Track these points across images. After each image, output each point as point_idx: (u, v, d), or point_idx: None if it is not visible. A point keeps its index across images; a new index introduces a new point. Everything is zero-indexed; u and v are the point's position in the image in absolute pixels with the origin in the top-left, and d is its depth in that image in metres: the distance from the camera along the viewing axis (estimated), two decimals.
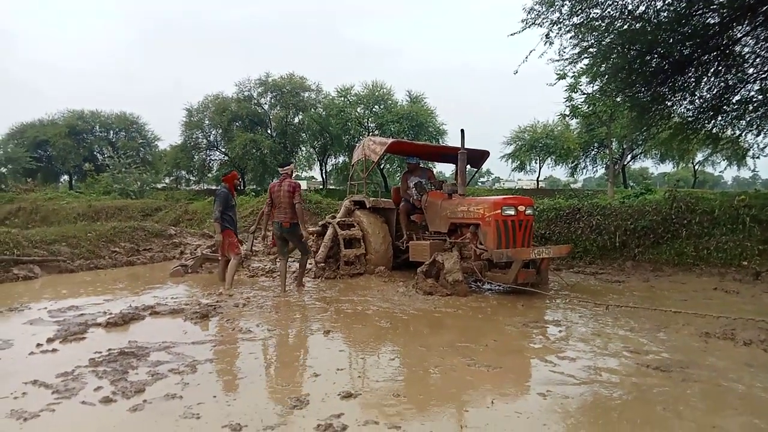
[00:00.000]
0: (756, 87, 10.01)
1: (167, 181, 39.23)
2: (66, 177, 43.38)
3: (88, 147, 40.21)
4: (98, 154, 40.35)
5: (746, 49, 9.57)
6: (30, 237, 9.74)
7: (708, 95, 10.29)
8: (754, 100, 10.11)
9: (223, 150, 35.31)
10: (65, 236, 10.30)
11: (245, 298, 6.47)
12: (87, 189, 29.84)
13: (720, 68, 9.73)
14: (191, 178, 38.72)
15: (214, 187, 34.11)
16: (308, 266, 8.46)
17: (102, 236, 10.89)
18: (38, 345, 4.48)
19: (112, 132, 41.87)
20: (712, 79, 10.00)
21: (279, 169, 7.40)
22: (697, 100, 10.45)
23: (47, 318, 5.55)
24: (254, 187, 31.45)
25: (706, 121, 10.61)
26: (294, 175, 7.57)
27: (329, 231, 8.20)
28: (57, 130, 37.81)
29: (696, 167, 39.78)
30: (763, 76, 9.78)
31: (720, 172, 50.19)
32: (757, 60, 9.61)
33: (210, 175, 36.84)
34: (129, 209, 20.22)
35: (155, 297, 6.69)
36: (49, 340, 4.61)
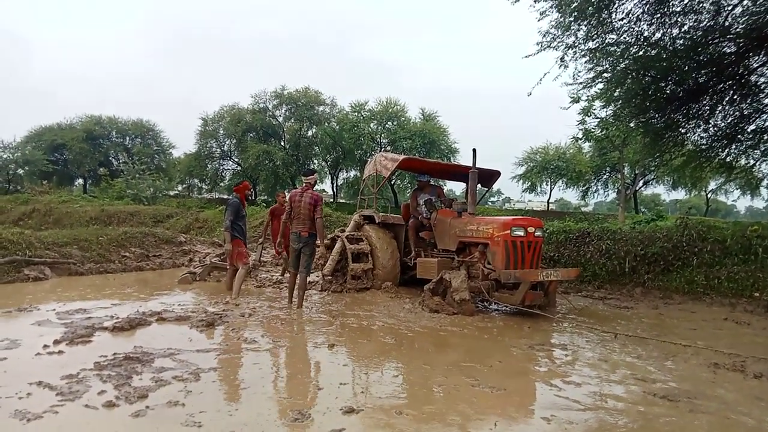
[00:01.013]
0: None
1: (180, 188, 39.65)
2: (81, 181, 43.98)
3: (104, 152, 40.82)
4: (113, 160, 40.96)
5: (762, 79, 9.54)
6: (42, 238, 9.88)
7: (722, 123, 10.25)
8: None
9: (236, 160, 35.66)
10: (77, 239, 10.43)
11: (252, 309, 6.48)
12: (101, 193, 30.24)
13: (735, 97, 9.71)
14: (203, 186, 39.13)
15: (225, 196, 34.37)
16: (315, 278, 8.49)
17: (113, 241, 11.01)
18: (45, 346, 4.52)
19: (128, 138, 42.47)
20: (727, 107, 9.97)
21: (303, 177, 7.11)
22: (711, 128, 10.41)
23: (55, 320, 5.60)
24: (265, 197, 31.66)
25: (720, 150, 10.56)
26: (316, 186, 7.31)
27: (338, 244, 8.22)
28: (74, 135, 38.43)
29: (709, 195, 39.47)
30: None
31: (733, 201, 49.76)
32: None
33: (222, 184, 37.18)
34: (141, 215, 20.43)
35: (162, 303, 6.73)
36: (56, 342, 4.65)
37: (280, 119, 35.15)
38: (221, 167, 36.91)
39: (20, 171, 37.77)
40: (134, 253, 10.97)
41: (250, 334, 5.22)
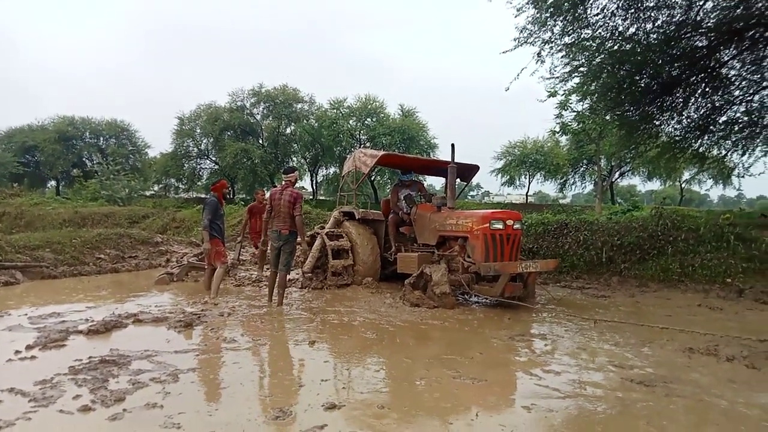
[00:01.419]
0: (742, 108, 10.22)
1: (156, 188, 39.07)
2: (53, 182, 43.04)
3: (77, 153, 40.01)
4: (87, 161, 40.18)
5: (732, 72, 9.77)
6: (13, 242, 9.63)
7: (695, 115, 10.48)
8: (740, 121, 10.30)
9: (214, 159, 35.28)
10: (49, 242, 10.18)
11: (231, 308, 6.41)
12: (74, 195, 29.65)
13: (707, 89, 9.92)
14: (180, 186, 38.64)
15: (203, 196, 33.99)
16: (296, 276, 8.43)
17: (87, 243, 10.78)
18: (17, 352, 4.40)
19: (102, 138, 41.70)
20: (700, 99, 10.19)
21: (283, 175, 7.03)
22: (684, 120, 10.63)
23: (27, 324, 5.46)
24: (243, 196, 31.38)
25: (693, 141, 10.79)
26: (297, 183, 7.20)
27: (317, 241, 8.17)
28: (46, 136, 37.61)
29: (683, 185, 40.28)
30: (748, 98, 9.98)
31: (706, 190, 50.84)
32: (743, 82, 9.81)
33: (200, 183, 36.74)
34: (116, 216, 20.07)
35: (139, 305, 6.61)
36: (28, 347, 4.53)
37: (258, 117, 34.88)
38: (198, 166, 36.50)
39: None
40: (109, 254, 10.77)
41: (229, 334, 5.16)
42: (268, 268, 9.10)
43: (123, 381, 3.73)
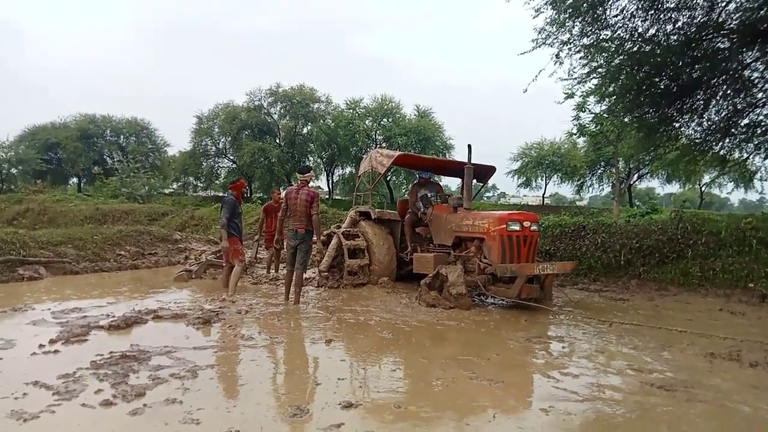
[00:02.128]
0: (765, 111, 10.01)
1: (175, 186, 39.54)
2: (75, 180, 43.77)
3: (98, 151, 40.65)
4: (108, 158, 40.83)
5: (755, 74, 9.57)
6: (37, 238, 9.82)
7: (716, 118, 10.29)
8: (763, 123, 10.10)
9: (232, 158, 35.56)
10: (71, 238, 10.37)
11: (248, 306, 6.47)
12: (95, 192, 30.13)
13: (729, 92, 9.74)
14: (199, 184, 39.04)
15: (221, 194, 34.31)
16: (312, 275, 8.48)
17: (108, 239, 10.96)
18: (40, 346, 4.49)
19: (122, 137, 42.32)
20: (721, 102, 10.00)
21: (298, 174, 7.04)
22: (705, 122, 10.44)
23: (50, 319, 5.57)
24: (261, 195, 31.61)
25: (714, 143, 10.60)
26: (312, 183, 7.23)
27: (334, 240, 8.21)
28: (68, 134, 38.25)
29: (703, 188, 39.63)
30: None
31: (727, 194, 49.83)
32: (766, 85, 9.62)
33: (217, 182, 37.07)
34: (136, 213, 20.37)
35: (158, 301, 6.71)
36: (52, 342, 4.62)
37: (275, 117, 35.07)
38: (216, 165, 36.80)
39: (14, 170, 37.58)
40: (129, 251, 10.93)
41: (247, 331, 5.21)
42: (276, 268, 9.22)
43: (143, 376, 3.79)
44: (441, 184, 9.69)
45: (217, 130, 34.98)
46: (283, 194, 7.17)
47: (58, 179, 41.88)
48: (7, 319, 5.65)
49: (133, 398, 3.37)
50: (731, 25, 8.37)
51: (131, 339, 4.81)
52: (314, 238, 6.91)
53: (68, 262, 9.40)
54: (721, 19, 8.45)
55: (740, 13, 8.26)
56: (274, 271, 9.32)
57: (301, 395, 3.56)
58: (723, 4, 8.45)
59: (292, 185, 7.61)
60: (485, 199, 46.80)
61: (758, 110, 10.06)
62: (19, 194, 27.44)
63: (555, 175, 35.79)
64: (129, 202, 24.80)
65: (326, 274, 8.07)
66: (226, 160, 36.47)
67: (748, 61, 9.26)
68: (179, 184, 39.92)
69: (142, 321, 5.50)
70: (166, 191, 34.86)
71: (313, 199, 6.69)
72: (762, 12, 7.85)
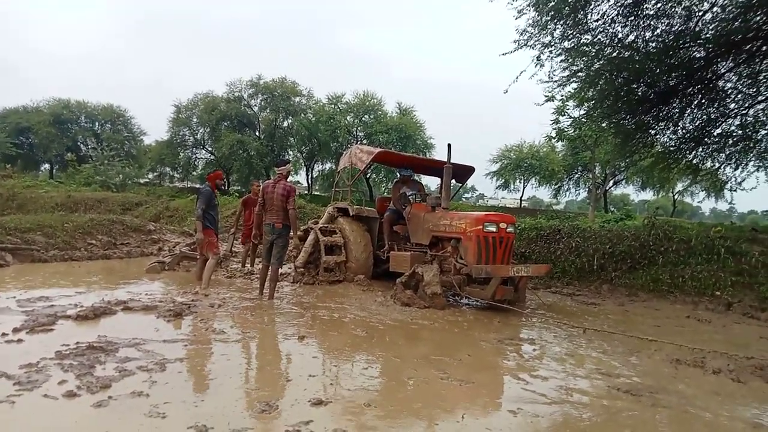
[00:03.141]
0: (737, 122, 10.29)
1: (150, 176, 38.87)
2: (47, 166, 42.76)
3: (72, 137, 39.72)
4: (82, 145, 39.90)
5: (729, 85, 9.82)
6: (4, 224, 9.56)
7: (690, 126, 10.53)
8: (734, 134, 10.36)
9: (210, 149, 35.12)
10: (41, 225, 10.12)
11: (221, 299, 6.39)
12: (67, 179, 29.48)
13: (703, 101, 9.97)
14: (175, 175, 38.49)
15: (197, 185, 33.80)
16: (288, 270, 8.42)
17: (79, 228, 10.71)
18: (3, 334, 4.37)
19: (97, 123, 41.45)
20: (696, 111, 10.24)
21: (275, 168, 6.97)
22: (679, 131, 10.68)
23: (15, 307, 5.41)
24: (238, 188, 31.27)
25: (688, 152, 10.85)
26: (290, 178, 7.17)
27: (311, 236, 8.16)
28: (41, 118, 37.31)
29: (675, 196, 40.52)
30: (743, 111, 10.04)
31: (698, 202, 51.06)
32: (739, 96, 9.87)
33: (195, 173, 36.58)
34: (109, 202, 19.98)
35: (129, 292, 6.57)
36: (15, 330, 4.50)
37: (256, 109, 34.74)
38: (194, 156, 36.36)
39: None
40: (101, 240, 10.71)
41: (219, 325, 5.14)
42: (252, 262, 9.14)
43: (110, 368, 3.71)
44: (422, 183, 9.70)
45: (195, 120, 34.50)
46: (261, 187, 7.08)
47: (29, 165, 40.85)
48: None
49: (98, 390, 3.29)
50: (707, 35, 8.55)
51: (99, 330, 4.71)
52: (291, 233, 6.86)
53: (36, 250, 9.16)
54: (697, 29, 8.64)
55: (716, 23, 8.45)
56: (249, 265, 9.23)
57: (271, 391, 3.53)
58: (700, 14, 8.63)
59: (269, 179, 7.53)
60: (464, 199, 47.12)
61: (730, 120, 10.33)
62: None
63: (533, 178, 36.20)
64: (102, 190, 24.28)
65: (302, 269, 8.01)
66: (204, 152, 36.03)
67: (722, 71, 9.49)
68: (155, 174, 39.27)
69: (111, 312, 5.38)
70: (142, 181, 34.22)
71: (290, 194, 6.63)
72: (737, 23, 8.04)
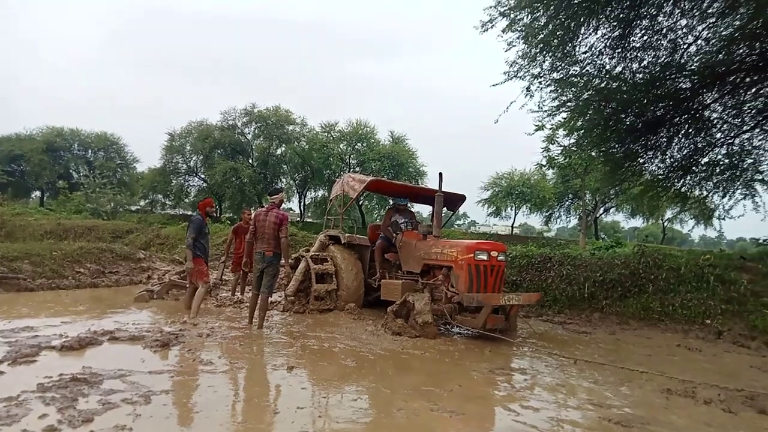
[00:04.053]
0: (723, 151, 10.43)
1: (142, 203, 38.71)
2: (38, 193, 42.47)
3: (64, 164, 39.64)
4: (74, 172, 39.79)
5: (714, 115, 9.99)
6: None
7: (678, 155, 10.67)
8: (721, 163, 10.50)
9: (203, 176, 35.10)
10: (28, 254, 10.02)
11: (210, 329, 6.31)
12: (58, 207, 29.30)
13: (690, 130, 10.13)
14: (167, 202, 38.32)
15: (189, 213, 33.72)
16: (278, 299, 8.34)
17: (67, 256, 10.61)
18: None
19: (90, 151, 41.41)
20: (683, 140, 10.39)
21: (268, 196, 6.99)
22: (667, 159, 10.81)
23: None
24: (230, 215, 31.20)
25: (676, 180, 10.96)
26: (282, 205, 7.17)
27: (302, 264, 8.12)
28: (34, 146, 37.26)
29: (665, 224, 40.84)
30: (729, 141, 10.21)
31: (688, 230, 51.45)
32: (725, 125, 10.04)
33: (187, 200, 36.45)
34: (99, 229, 19.84)
35: (116, 322, 6.49)
36: None
37: (249, 137, 34.87)
38: (187, 183, 36.25)
39: None
40: (89, 269, 10.59)
41: (206, 356, 5.07)
42: (242, 291, 9.06)
43: (93, 401, 3.64)
44: (413, 211, 9.72)
45: (189, 147, 34.56)
46: (252, 215, 7.07)
47: (20, 192, 40.59)
48: None
49: (79, 424, 3.23)
50: (692, 67, 8.75)
51: (84, 361, 4.63)
52: (282, 261, 6.82)
53: (23, 279, 9.04)
54: (683, 61, 8.83)
55: (701, 55, 8.66)
56: (239, 293, 9.15)
57: (258, 424, 3.47)
58: (685, 47, 8.84)
59: (262, 206, 7.53)
60: (456, 227, 47.17)
61: (717, 149, 10.48)
62: None
63: (524, 206, 36.38)
64: (93, 218, 24.13)
65: (292, 298, 7.95)
66: (197, 179, 35.98)
67: (708, 101, 9.68)
68: (147, 201, 39.11)
69: (96, 342, 5.30)
70: (133, 208, 34.09)
71: (282, 222, 6.62)
72: (720, 56, 8.24)
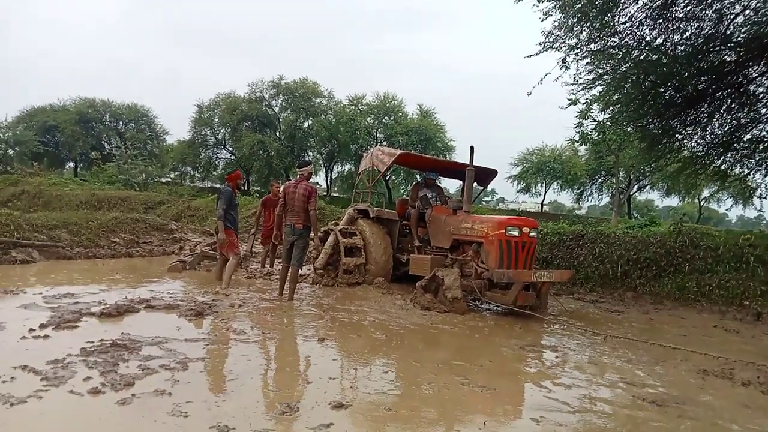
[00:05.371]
0: None
1: (172, 175, 39.36)
2: (72, 164, 43.55)
3: (97, 136, 40.38)
4: (106, 144, 40.54)
5: (760, 89, 9.57)
6: (31, 221, 9.76)
7: (719, 131, 10.28)
8: (765, 139, 10.09)
9: (231, 149, 35.42)
10: (66, 223, 10.31)
11: (241, 299, 6.43)
12: (92, 177, 29.99)
13: (733, 105, 9.73)
14: (196, 174, 38.88)
15: (218, 185, 34.13)
16: (307, 271, 8.44)
17: (103, 225, 10.89)
18: (30, 330, 4.45)
19: (121, 122, 42.06)
20: (725, 115, 9.99)
21: (297, 169, 7.03)
22: (708, 136, 10.43)
23: (42, 303, 5.52)
24: (258, 188, 31.52)
25: (716, 157, 10.59)
26: (312, 179, 7.16)
27: (330, 238, 8.16)
28: (67, 117, 38.02)
29: (701, 203, 39.71)
30: None
31: (726, 210, 49.95)
32: None
33: (215, 173, 36.91)
34: (132, 201, 20.27)
35: (151, 291, 6.66)
36: (42, 326, 4.58)
37: (276, 109, 34.92)
38: (215, 156, 36.66)
39: (11, 151, 37.23)
40: (124, 239, 10.87)
41: (239, 325, 5.17)
42: (272, 263, 9.18)
43: (133, 366, 3.74)
44: (441, 186, 9.64)
45: (217, 120, 34.81)
46: (281, 188, 7.10)
47: (55, 162, 41.65)
48: None
49: (121, 387, 3.33)
50: (739, 38, 8.35)
51: (122, 327, 4.76)
52: (312, 234, 6.87)
53: (62, 247, 9.33)
54: (728, 32, 8.44)
55: (748, 26, 8.24)
56: (269, 265, 9.27)
57: (292, 393, 3.53)
58: (731, 17, 8.43)
59: (290, 180, 7.55)
60: (484, 203, 46.80)
61: (761, 126, 10.05)
62: (15, 176, 27.23)
63: (555, 183, 35.79)
64: (125, 189, 24.65)
65: (321, 271, 8.02)
66: (225, 152, 36.32)
67: (754, 75, 9.25)
68: (176, 173, 39.75)
69: (134, 310, 5.45)
70: (163, 180, 34.67)
71: (311, 195, 6.64)
72: None
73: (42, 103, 40.90)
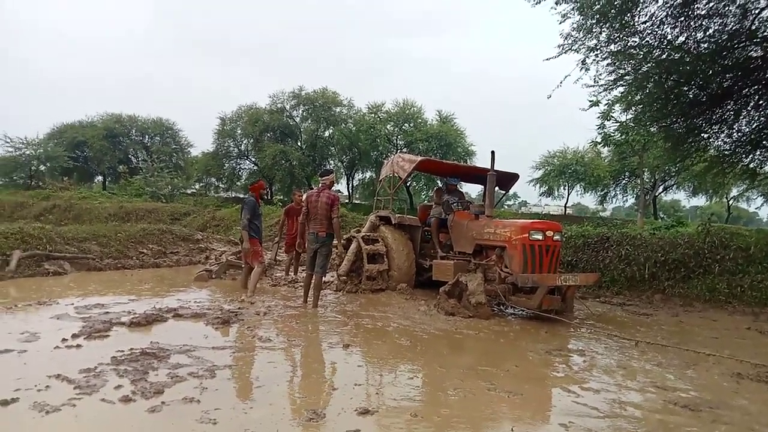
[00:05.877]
0: None
1: (197, 186, 40.02)
2: (100, 177, 44.65)
3: (124, 150, 41.44)
4: (133, 157, 41.59)
5: None
6: (62, 234, 10.02)
7: (747, 129, 10.04)
8: None
9: (253, 160, 35.92)
10: (96, 235, 10.56)
11: (266, 307, 6.49)
12: (120, 190, 30.67)
13: (761, 102, 9.49)
14: (220, 185, 39.52)
15: (242, 195, 34.63)
16: (331, 279, 8.48)
17: (131, 237, 11.13)
18: (63, 340, 4.57)
19: (147, 136, 43.08)
20: (752, 112, 9.76)
21: (319, 178, 7.10)
22: (735, 134, 10.20)
23: (73, 314, 5.66)
24: (281, 197, 31.83)
25: (744, 156, 10.34)
26: (334, 187, 7.21)
27: (353, 245, 8.20)
28: (95, 132, 39.07)
29: (730, 202, 38.74)
30: None
31: (756, 208, 48.61)
32: None
33: (239, 183, 37.46)
34: (159, 212, 20.66)
35: (179, 300, 6.77)
36: (74, 336, 4.70)
37: (297, 120, 35.34)
38: (238, 166, 37.25)
39: (42, 167, 38.42)
40: (152, 249, 11.08)
41: (265, 333, 5.22)
42: (295, 271, 9.25)
43: (162, 374, 3.82)
44: (462, 191, 9.62)
45: (239, 131, 35.40)
46: (304, 196, 7.17)
47: (84, 177, 42.75)
48: (31, 313, 5.77)
49: (152, 395, 3.39)
50: (765, 33, 8.17)
51: (151, 336, 4.86)
52: (335, 241, 6.91)
53: (92, 259, 9.56)
54: (754, 27, 8.25)
55: None
56: (293, 273, 9.35)
57: (318, 399, 3.55)
58: (756, 12, 8.25)
59: (312, 188, 7.63)
60: (506, 207, 46.39)
61: None
62: (47, 191, 28.05)
63: (578, 185, 35.36)
64: (152, 201, 25.15)
65: (345, 278, 8.06)
66: (248, 162, 36.88)
67: None
68: (201, 184, 40.44)
69: (162, 319, 5.55)
70: (189, 191, 35.28)
71: (334, 203, 6.69)
72: None
73: (71, 119, 42.15)
